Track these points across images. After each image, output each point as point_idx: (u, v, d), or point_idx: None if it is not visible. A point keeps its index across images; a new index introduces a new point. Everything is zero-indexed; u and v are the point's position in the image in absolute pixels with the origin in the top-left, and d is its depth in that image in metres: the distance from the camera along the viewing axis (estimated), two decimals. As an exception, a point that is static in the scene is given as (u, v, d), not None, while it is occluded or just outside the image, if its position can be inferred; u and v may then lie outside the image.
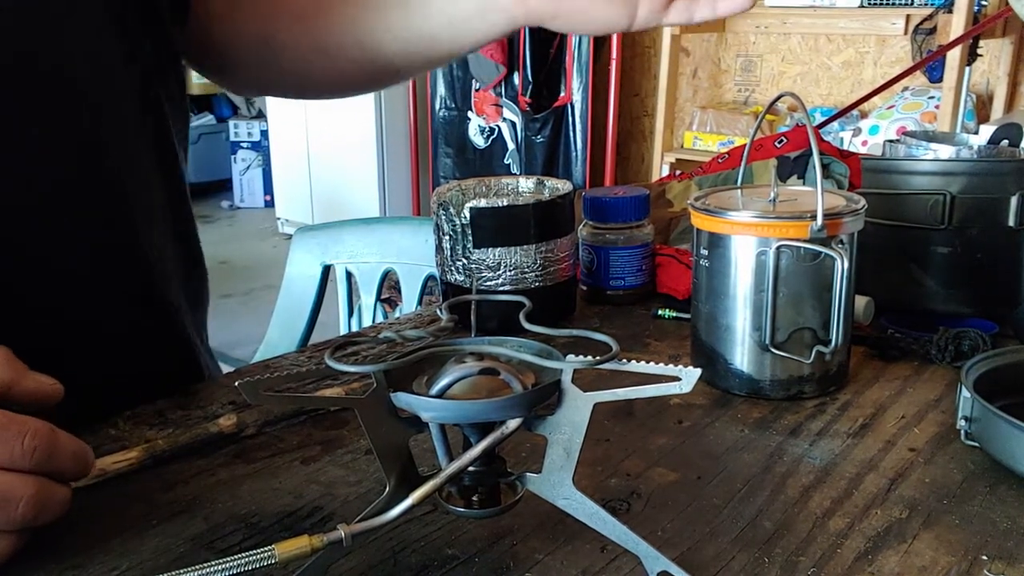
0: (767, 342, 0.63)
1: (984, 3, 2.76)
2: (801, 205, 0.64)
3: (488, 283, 0.76)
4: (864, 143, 2.96)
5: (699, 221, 0.66)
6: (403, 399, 0.41)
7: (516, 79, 3.75)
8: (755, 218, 0.62)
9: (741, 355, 0.65)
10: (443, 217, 0.77)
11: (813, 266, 0.62)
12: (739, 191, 0.70)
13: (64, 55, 0.59)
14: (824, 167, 0.98)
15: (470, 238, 0.75)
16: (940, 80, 2.77)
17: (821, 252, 0.61)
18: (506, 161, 3.92)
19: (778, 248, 0.61)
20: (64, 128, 0.60)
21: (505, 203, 0.75)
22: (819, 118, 3.07)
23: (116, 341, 0.65)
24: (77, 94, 0.60)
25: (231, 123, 5.53)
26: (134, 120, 0.66)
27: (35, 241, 0.59)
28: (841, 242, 0.62)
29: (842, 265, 0.60)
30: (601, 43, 3.60)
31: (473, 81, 3.90)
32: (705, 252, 0.66)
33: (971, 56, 2.74)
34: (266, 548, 0.39)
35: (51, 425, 0.45)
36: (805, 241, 0.60)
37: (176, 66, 0.72)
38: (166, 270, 0.69)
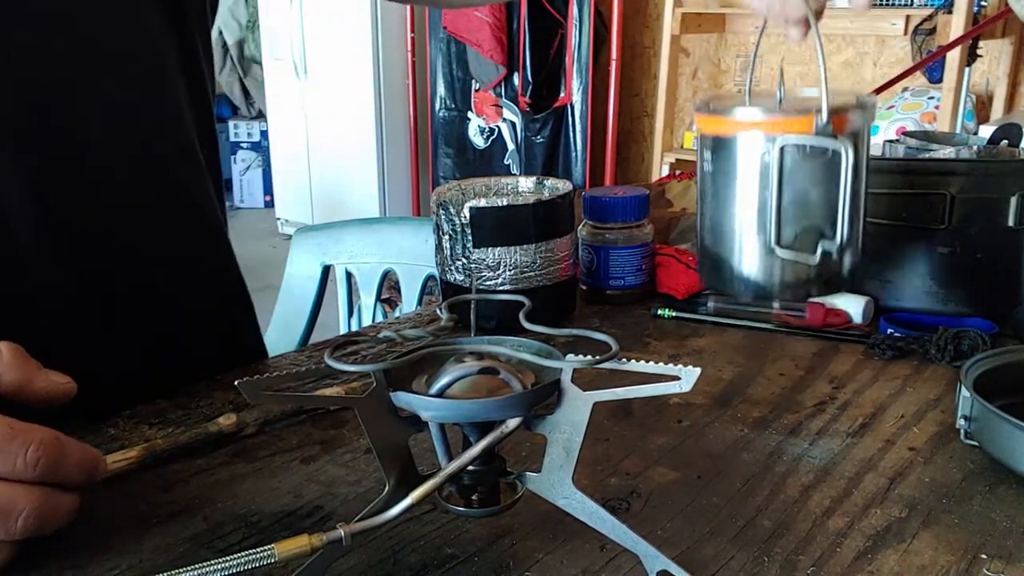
0: (773, 242, 0.60)
1: (984, 3, 2.76)
2: (808, 103, 0.61)
3: (488, 283, 0.76)
4: (864, 143, 2.96)
5: (704, 124, 0.64)
6: (403, 398, 0.41)
7: (516, 79, 3.75)
8: (760, 116, 0.60)
9: (748, 259, 0.64)
10: (443, 217, 0.77)
11: (819, 163, 0.59)
12: (745, 96, 0.66)
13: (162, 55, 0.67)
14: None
15: (470, 238, 0.75)
16: (940, 80, 2.77)
17: (828, 148, 0.58)
18: (506, 161, 3.92)
19: (783, 146, 0.58)
20: (166, 129, 0.68)
21: (505, 203, 0.75)
22: (819, 118, 3.07)
23: (208, 317, 0.73)
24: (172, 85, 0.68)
25: (231, 123, 5.52)
26: (195, 98, 0.72)
27: (144, 234, 0.67)
28: (849, 137, 0.59)
29: (847, 158, 0.58)
30: (601, 43, 3.60)
31: (473, 81, 3.89)
32: (709, 156, 0.64)
33: (971, 57, 2.74)
34: (266, 547, 0.39)
35: (57, 434, 0.44)
36: (811, 137, 0.57)
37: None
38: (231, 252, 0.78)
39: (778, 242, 0.60)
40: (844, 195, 0.59)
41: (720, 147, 0.62)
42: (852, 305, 0.81)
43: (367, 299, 1.32)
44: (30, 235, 0.60)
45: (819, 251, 0.61)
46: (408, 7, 3.86)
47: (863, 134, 0.61)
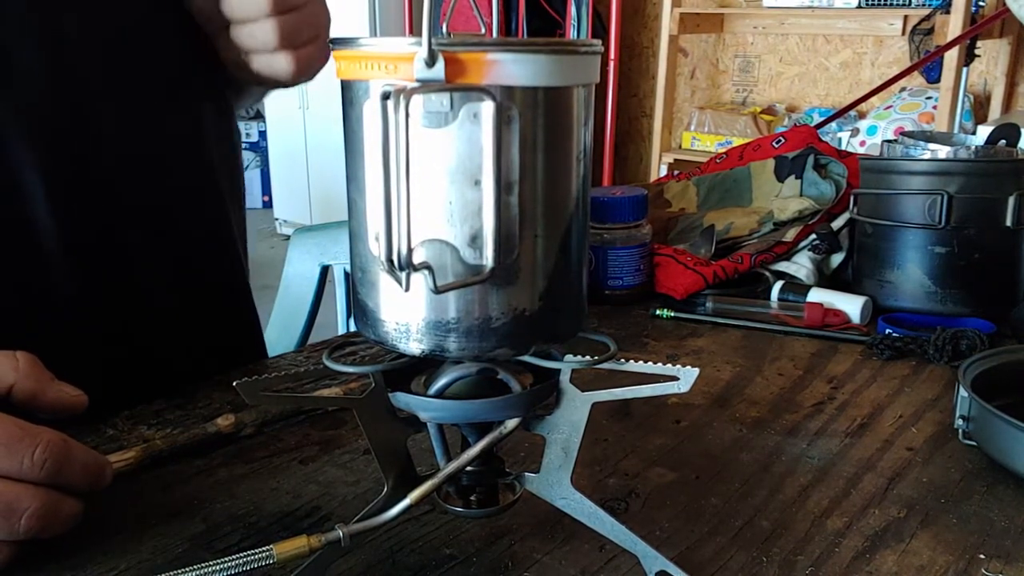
0: (383, 257, 0.36)
1: (982, 3, 2.77)
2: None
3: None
4: (862, 143, 2.96)
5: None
6: (401, 399, 0.41)
7: (514, 80, 3.75)
8: (364, 49, 0.37)
9: (368, 284, 0.40)
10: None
11: (449, 134, 0.36)
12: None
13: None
14: (822, 167, 0.98)
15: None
16: (938, 80, 2.77)
17: (448, 108, 0.35)
18: (504, 162, 3.92)
19: (385, 95, 0.34)
20: (185, 142, 0.69)
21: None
22: (817, 118, 3.07)
23: (210, 321, 0.73)
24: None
25: (229, 124, 5.52)
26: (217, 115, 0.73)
27: (156, 240, 0.68)
28: (505, 100, 0.36)
29: (493, 135, 0.35)
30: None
31: (471, 81, 3.89)
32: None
33: (969, 56, 2.74)
34: (264, 548, 0.39)
35: (65, 437, 0.45)
36: (416, 84, 0.35)
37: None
38: (241, 255, 0.78)
39: (389, 258, 0.36)
40: (487, 187, 0.36)
41: (344, 102, 0.40)
42: (850, 305, 0.82)
43: (365, 299, 1.31)
44: (52, 241, 0.61)
45: (452, 279, 0.37)
46: (406, 9, 3.87)
47: (549, 100, 0.37)
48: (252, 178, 5.49)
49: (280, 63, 0.62)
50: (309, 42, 0.62)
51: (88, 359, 0.62)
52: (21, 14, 0.58)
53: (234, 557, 0.38)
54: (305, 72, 0.64)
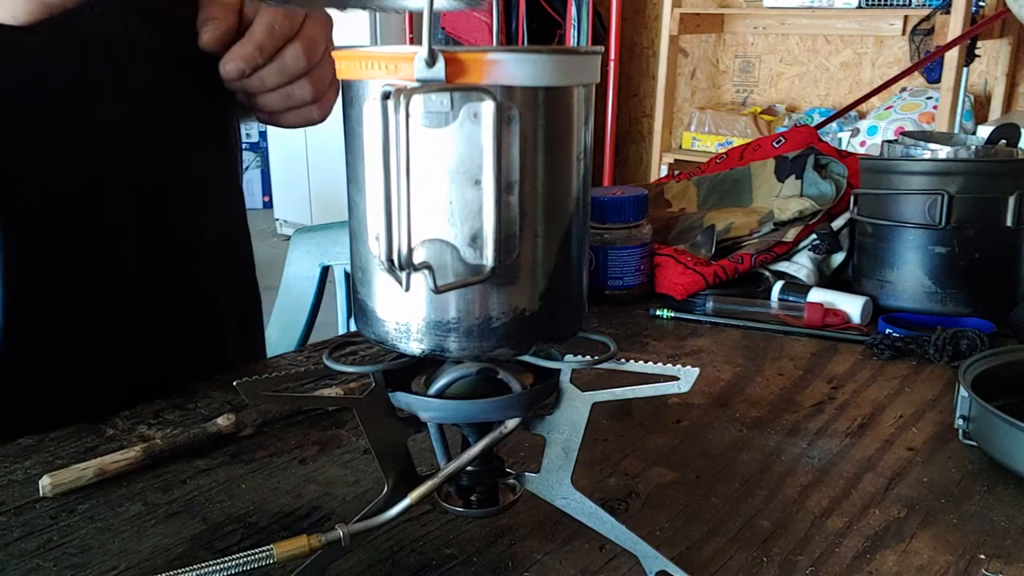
0: (383, 257, 0.36)
1: (982, 4, 2.76)
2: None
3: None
4: (862, 143, 2.96)
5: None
6: (402, 399, 0.41)
7: (515, 80, 3.74)
8: (365, 50, 0.37)
9: (368, 283, 0.40)
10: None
11: (449, 134, 0.36)
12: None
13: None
14: (823, 167, 0.98)
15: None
16: (938, 80, 2.77)
17: (448, 108, 0.35)
18: (504, 162, 3.92)
19: (386, 95, 0.34)
20: (219, 146, 0.72)
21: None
22: (817, 118, 3.07)
23: (221, 320, 0.75)
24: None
25: (229, 124, 5.51)
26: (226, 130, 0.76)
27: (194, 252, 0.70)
28: (506, 100, 0.36)
29: (493, 135, 0.35)
30: (599, 44, 3.60)
31: (471, 81, 3.89)
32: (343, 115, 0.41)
33: (969, 56, 2.74)
34: (264, 548, 0.39)
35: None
36: (417, 84, 0.35)
37: None
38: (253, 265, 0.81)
39: (389, 257, 0.36)
40: (488, 187, 0.36)
41: (344, 102, 0.40)
42: (850, 305, 0.82)
43: (366, 299, 1.31)
44: (131, 244, 0.65)
45: (452, 279, 0.37)
46: (406, 19, 3.87)
47: (550, 100, 0.37)
48: (252, 178, 5.49)
49: (313, 113, 0.63)
50: (331, 84, 0.63)
51: (89, 364, 0.63)
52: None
53: (234, 557, 0.38)
54: (329, 113, 0.65)
